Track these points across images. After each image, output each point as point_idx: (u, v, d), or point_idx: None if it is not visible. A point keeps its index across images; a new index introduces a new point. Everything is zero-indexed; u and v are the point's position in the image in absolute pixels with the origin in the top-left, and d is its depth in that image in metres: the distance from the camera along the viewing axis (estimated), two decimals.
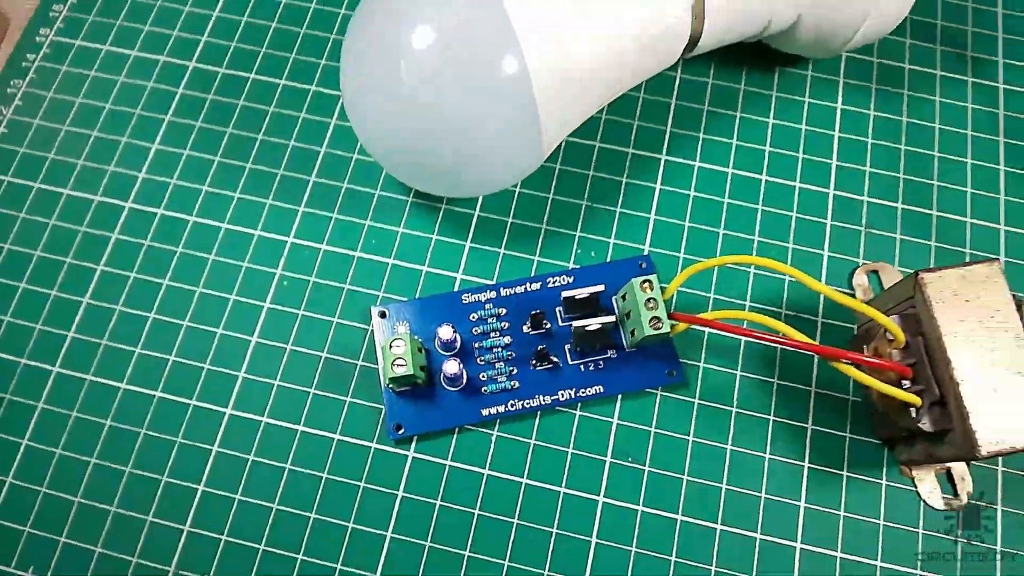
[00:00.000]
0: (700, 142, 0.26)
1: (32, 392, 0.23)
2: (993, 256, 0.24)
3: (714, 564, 0.21)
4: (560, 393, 0.23)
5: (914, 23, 0.28)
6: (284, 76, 0.27)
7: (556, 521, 0.22)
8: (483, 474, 0.22)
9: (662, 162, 0.26)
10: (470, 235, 0.25)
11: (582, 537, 0.22)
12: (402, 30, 0.20)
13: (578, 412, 0.23)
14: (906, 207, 0.25)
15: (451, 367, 0.22)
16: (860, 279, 0.24)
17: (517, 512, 0.22)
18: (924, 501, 0.22)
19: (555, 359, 0.23)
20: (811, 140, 0.26)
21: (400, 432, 0.22)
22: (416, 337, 0.22)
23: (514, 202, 0.25)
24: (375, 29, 0.20)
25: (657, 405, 0.23)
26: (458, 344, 0.23)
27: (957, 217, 0.25)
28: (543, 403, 0.22)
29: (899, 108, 0.27)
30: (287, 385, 0.23)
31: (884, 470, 0.22)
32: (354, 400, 0.23)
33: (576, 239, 0.25)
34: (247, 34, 0.28)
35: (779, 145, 0.26)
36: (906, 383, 0.20)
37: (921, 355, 0.20)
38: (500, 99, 0.20)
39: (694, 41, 0.23)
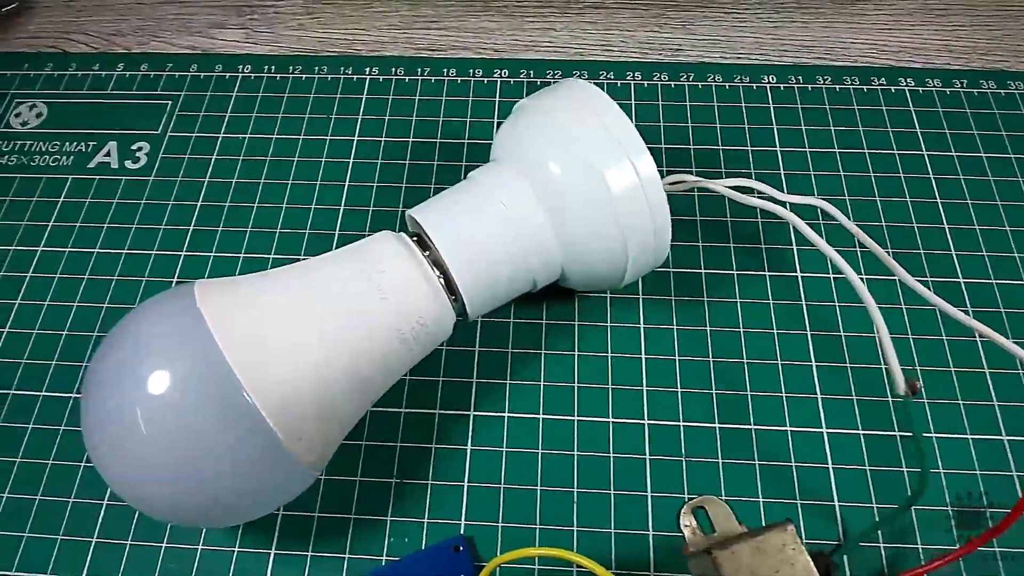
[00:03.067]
0: (507, 389, 0.25)
1: None
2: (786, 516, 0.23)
3: None
4: None
5: (704, 224, 0.28)
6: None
7: None
8: None
9: (471, 418, 0.25)
10: (275, 540, 0.23)
11: None
12: (134, 388, 0.19)
13: None
14: (723, 426, 0.25)
15: None
16: (687, 519, 0.23)
17: None
18: None
19: None
20: (618, 367, 0.26)
21: None
22: None
23: (320, 493, 0.24)
24: (106, 394, 0.19)
25: None
26: None
27: (776, 428, 0.25)
28: None
29: (702, 317, 0.26)
30: None
31: None
32: None
33: (388, 525, 0.23)
34: None
35: (586, 379, 0.25)
36: None
37: None
38: (240, 438, 0.19)
39: (463, 315, 0.22)
